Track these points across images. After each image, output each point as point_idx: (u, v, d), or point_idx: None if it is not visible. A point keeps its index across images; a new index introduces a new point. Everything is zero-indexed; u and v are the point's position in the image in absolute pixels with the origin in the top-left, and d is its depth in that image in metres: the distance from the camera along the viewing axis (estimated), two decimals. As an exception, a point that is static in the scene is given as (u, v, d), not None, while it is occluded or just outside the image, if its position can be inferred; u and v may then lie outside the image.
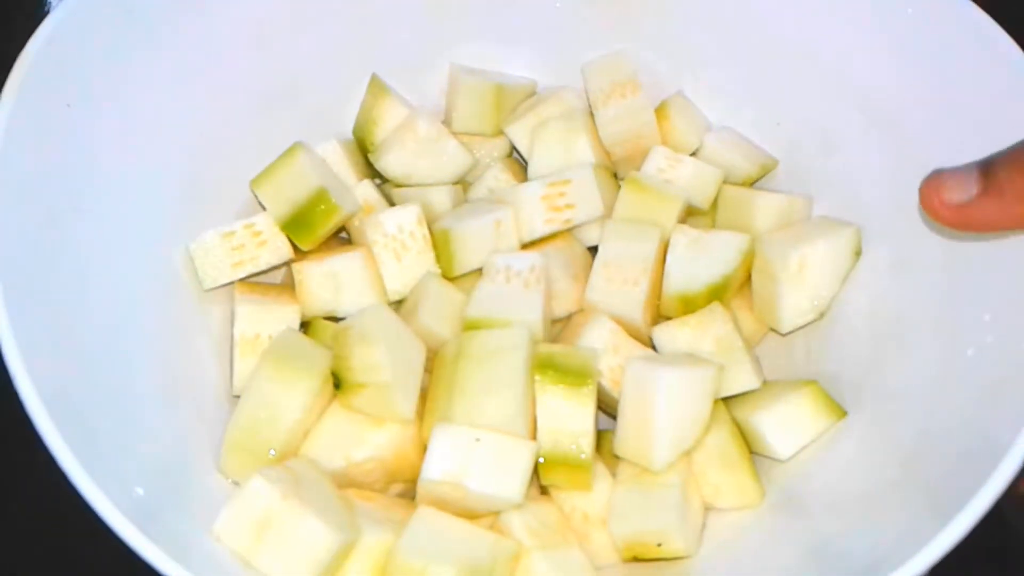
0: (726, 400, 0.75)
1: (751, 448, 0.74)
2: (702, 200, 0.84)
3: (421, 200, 0.82)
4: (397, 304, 0.80)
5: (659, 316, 0.80)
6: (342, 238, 0.86)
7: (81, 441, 0.57)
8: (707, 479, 0.72)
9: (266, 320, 0.76)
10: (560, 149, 0.84)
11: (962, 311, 0.68)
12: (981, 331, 0.66)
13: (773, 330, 0.81)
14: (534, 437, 0.69)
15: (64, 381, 0.61)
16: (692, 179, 0.83)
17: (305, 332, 0.79)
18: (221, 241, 0.78)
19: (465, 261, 0.79)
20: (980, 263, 0.68)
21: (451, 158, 0.86)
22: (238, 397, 0.73)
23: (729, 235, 0.79)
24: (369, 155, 0.88)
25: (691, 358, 0.74)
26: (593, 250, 0.81)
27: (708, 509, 0.73)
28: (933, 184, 0.62)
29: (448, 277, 0.79)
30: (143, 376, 0.69)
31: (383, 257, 0.79)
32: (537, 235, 0.80)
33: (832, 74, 0.81)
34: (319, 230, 0.78)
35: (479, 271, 0.78)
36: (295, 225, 0.78)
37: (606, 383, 0.74)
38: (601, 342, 0.75)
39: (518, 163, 0.90)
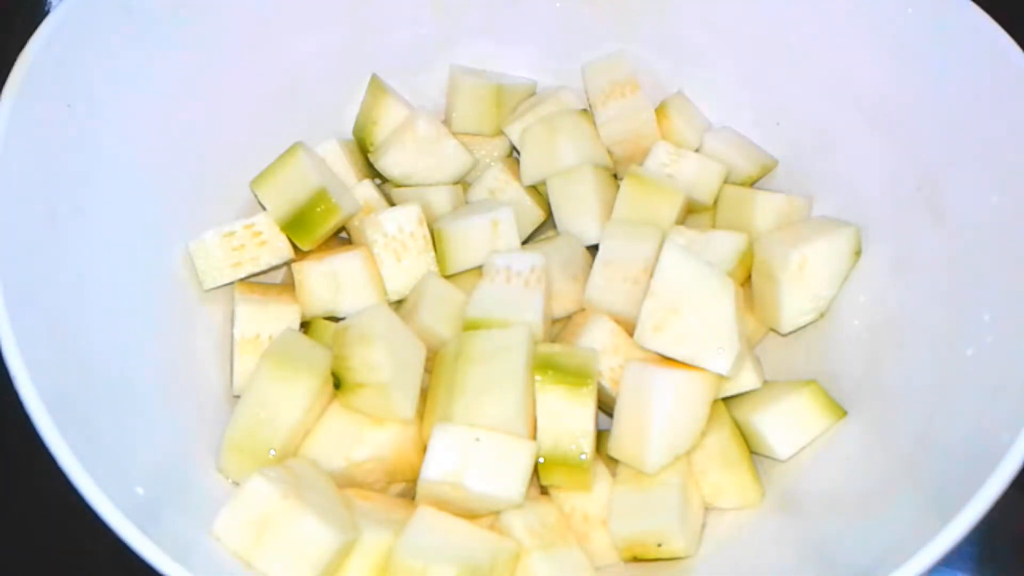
0: (726, 400, 0.75)
1: (751, 448, 0.74)
2: (706, 194, 0.84)
3: (421, 200, 0.82)
4: (397, 304, 0.80)
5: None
6: (342, 238, 0.86)
7: (81, 441, 0.58)
8: (707, 478, 0.72)
9: (266, 320, 0.76)
10: (542, 152, 0.85)
11: (962, 311, 0.68)
12: (981, 331, 0.66)
13: (773, 330, 0.81)
14: (534, 437, 0.69)
15: (64, 381, 0.61)
16: (695, 173, 0.84)
17: (305, 332, 0.79)
18: (221, 241, 0.78)
19: (458, 260, 0.79)
20: (980, 263, 0.68)
21: (451, 158, 0.86)
22: (238, 397, 0.73)
23: (726, 235, 0.79)
24: (369, 155, 0.88)
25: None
26: (593, 250, 0.81)
27: (708, 509, 0.73)
28: None
29: (443, 275, 0.79)
30: (143, 376, 0.69)
31: (383, 257, 0.79)
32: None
33: (832, 74, 0.81)
34: (319, 230, 0.78)
35: (479, 270, 0.78)
36: (295, 225, 0.78)
37: (606, 383, 0.74)
38: (601, 342, 0.75)
39: (518, 163, 0.90)
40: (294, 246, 0.80)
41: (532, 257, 0.76)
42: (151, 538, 0.55)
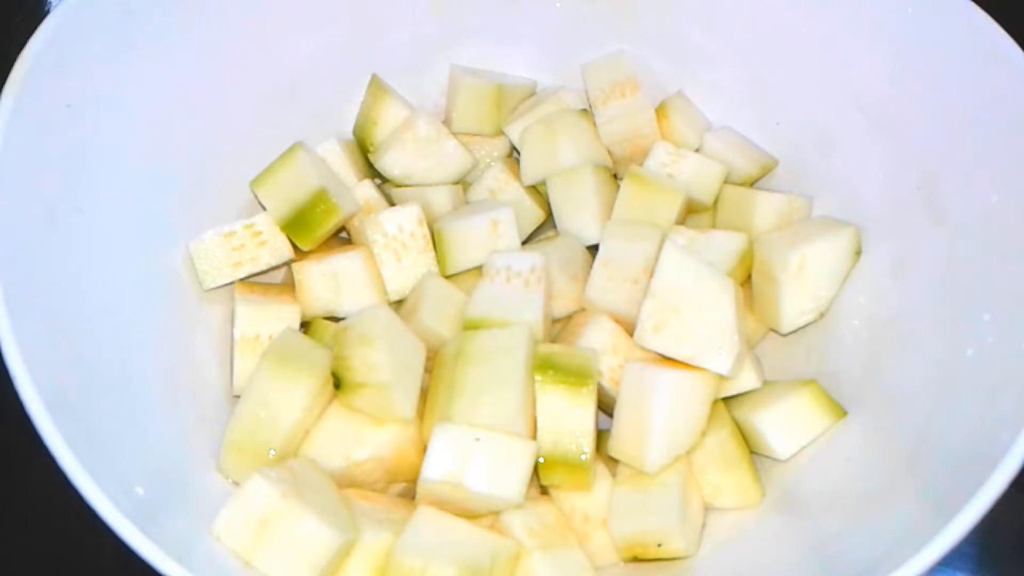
0: (726, 400, 0.75)
1: (751, 448, 0.74)
2: (705, 195, 0.84)
3: (421, 200, 0.82)
4: (397, 304, 0.80)
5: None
6: (342, 238, 0.86)
7: (81, 441, 0.58)
8: (707, 479, 0.72)
9: (266, 320, 0.76)
10: (542, 152, 0.85)
11: (962, 311, 0.68)
12: (981, 331, 0.66)
13: (773, 330, 0.81)
14: (534, 437, 0.69)
15: (64, 381, 0.61)
16: (695, 174, 0.84)
17: (305, 332, 0.79)
18: (221, 241, 0.78)
19: (458, 260, 0.79)
20: (980, 263, 0.68)
21: (451, 158, 0.86)
22: (238, 397, 0.73)
23: (725, 235, 0.79)
24: (369, 155, 0.88)
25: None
26: (593, 250, 0.81)
27: (708, 509, 0.73)
28: None
29: (443, 275, 0.79)
30: (143, 376, 0.69)
31: (383, 257, 0.79)
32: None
33: (832, 74, 0.81)
34: (319, 230, 0.78)
35: (479, 270, 0.78)
36: (295, 225, 0.78)
37: (606, 383, 0.74)
38: (601, 342, 0.75)
39: (518, 163, 0.90)
40: (294, 246, 0.80)
41: (532, 257, 0.76)
42: (151, 538, 0.55)
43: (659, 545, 0.68)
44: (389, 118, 0.87)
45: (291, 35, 0.84)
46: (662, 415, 0.69)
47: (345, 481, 0.69)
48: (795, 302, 0.77)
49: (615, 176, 0.88)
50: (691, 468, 0.72)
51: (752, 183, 0.86)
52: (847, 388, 0.74)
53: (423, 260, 0.79)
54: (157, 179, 0.76)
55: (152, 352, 0.71)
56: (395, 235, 0.79)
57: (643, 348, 0.72)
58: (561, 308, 0.79)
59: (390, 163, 0.86)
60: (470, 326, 0.73)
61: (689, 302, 0.70)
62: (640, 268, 0.76)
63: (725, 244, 0.79)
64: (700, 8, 0.85)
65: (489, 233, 0.79)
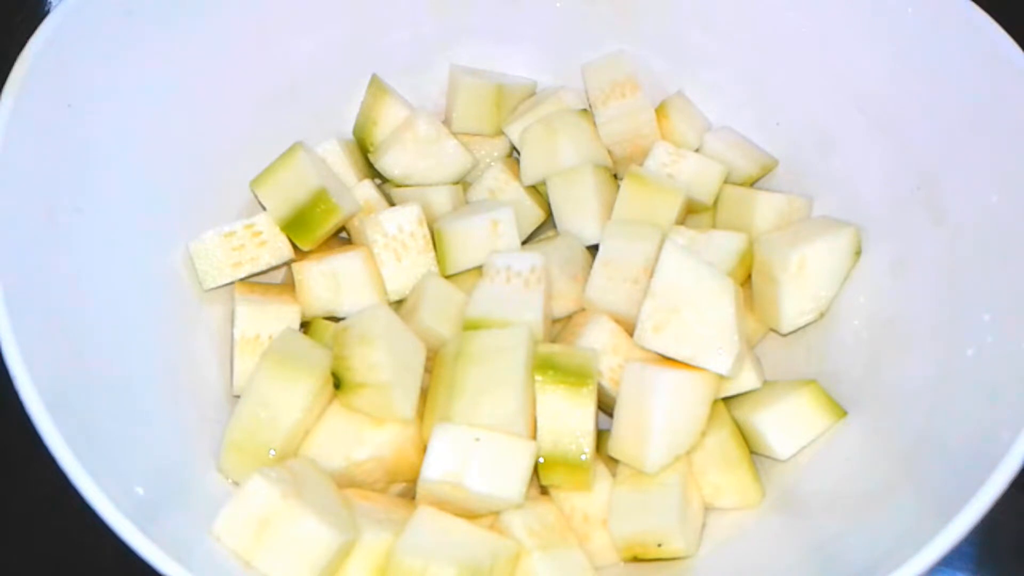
0: (726, 400, 0.75)
1: (751, 448, 0.74)
2: (705, 195, 0.84)
3: (421, 200, 0.82)
4: (397, 304, 0.80)
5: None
6: (342, 238, 0.86)
7: (81, 441, 0.58)
8: (707, 479, 0.72)
9: (266, 320, 0.76)
10: (542, 152, 0.85)
11: (962, 311, 0.68)
12: (981, 331, 0.66)
13: (773, 330, 0.81)
14: (534, 437, 0.69)
15: (64, 381, 0.61)
16: (695, 174, 0.84)
17: (305, 332, 0.79)
18: (221, 241, 0.78)
19: (458, 260, 0.79)
20: (980, 263, 0.68)
21: (451, 158, 0.86)
22: (238, 397, 0.73)
23: (725, 236, 0.79)
24: (369, 155, 0.88)
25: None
26: (593, 250, 0.81)
27: (708, 509, 0.73)
28: None
29: (443, 275, 0.79)
30: (143, 376, 0.69)
31: (383, 257, 0.79)
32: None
33: (832, 74, 0.81)
34: (319, 230, 0.78)
35: (479, 270, 0.78)
36: (295, 225, 0.78)
37: (606, 383, 0.74)
38: (601, 342, 0.75)
39: (518, 163, 0.90)
40: (294, 246, 0.80)
41: (532, 257, 0.76)
42: (151, 538, 0.55)
43: (659, 545, 0.68)
44: (389, 118, 0.87)
45: (291, 35, 0.84)
46: (662, 415, 0.69)
47: (345, 481, 0.69)
48: (795, 302, 0.77)
49: (615, 176, 0.88)
50: (691, 468, 0.72)
51: (752, 183, 0.86)
52: (847, 388, 0.74)
53: (423, 260, 0.79)
54: (157, 179, 0.76)
55: (152, 352, 0.71)
56: (395, 235, 0.79)
57: (643, 348, 0.72)
58: (561, 308, 0.79)
59: (390, 163, 0.86)
60: (470, 326, 0.73)
61: (689, 302, 0.70)
62: (640, 268, 0.76)
63: (725, 244, 0.79)
64: (700, 8, 0.85)
65: (489, 233, 0.79)
